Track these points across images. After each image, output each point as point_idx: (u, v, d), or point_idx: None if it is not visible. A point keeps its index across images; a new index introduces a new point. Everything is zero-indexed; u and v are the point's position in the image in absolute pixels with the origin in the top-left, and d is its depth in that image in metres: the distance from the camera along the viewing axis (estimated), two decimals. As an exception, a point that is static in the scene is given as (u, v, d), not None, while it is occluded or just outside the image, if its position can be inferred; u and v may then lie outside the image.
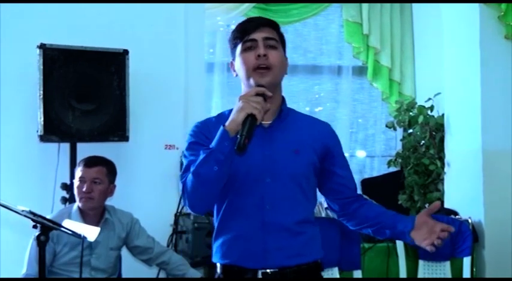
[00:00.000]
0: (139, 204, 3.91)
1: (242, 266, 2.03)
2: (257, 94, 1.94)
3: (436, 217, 3.67)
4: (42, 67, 3.57)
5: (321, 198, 2.49)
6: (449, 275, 3.86)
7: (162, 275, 3.71)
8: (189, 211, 3.92)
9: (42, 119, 3.56)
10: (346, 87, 5.36)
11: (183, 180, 2.00)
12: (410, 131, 4.70)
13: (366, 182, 4.94)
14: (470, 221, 3.95)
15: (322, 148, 2.12)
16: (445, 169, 4.34)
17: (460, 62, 4.21)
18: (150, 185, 4.14)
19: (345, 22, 5.26)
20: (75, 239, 2.98)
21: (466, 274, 3.80)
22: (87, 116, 3.69)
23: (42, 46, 3.58)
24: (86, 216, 3.26)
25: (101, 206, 3.32)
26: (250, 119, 1.90)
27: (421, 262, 3.90)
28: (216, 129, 2.01)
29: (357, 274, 3.69)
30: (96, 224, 3.17)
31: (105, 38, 3.89)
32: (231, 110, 2.11)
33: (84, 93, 3.68)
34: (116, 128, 3.77)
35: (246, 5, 4.94)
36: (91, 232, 2.76)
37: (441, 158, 4.38)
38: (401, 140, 4.90)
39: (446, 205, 4.28)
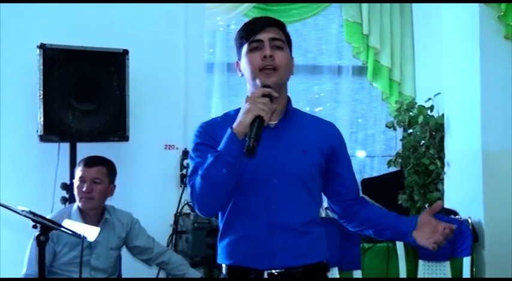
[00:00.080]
0: (139, 204, 3.91)
1: (248, 266, 2.02)
2: (263, 95, 1.93)
3: (436, 217, 3.67)
4: (42, 67, 3.57)
5: (320, 198, 2.49)
6: (449, 275, 3.86)
7: (162, 275, 3.71)
8: (188, 211, 3.93)
9: (42, 119, 3.56)
10: (346, 87, 5.36)
11: (191, 183, 1.99)
12: (410, 131, 4.70)
13: (365, 182, 4.94)
14: (470, 221, 3.95)
15: (328, 148, 2.12)
16: (445, 169, 4.34)
17: (459, 62, 4.21)
18: (150, 185, 4.14)
19: (344, 22, 5.26)
20: (75, 239, 2.98)
21: (466, 274, 3.80)
22: (87, 116, 3.69)
23: (42, 46, 3.58)
24: (85, 216, 3.26)
25: (101, 206, 3.32)
26: (257, 121, 1.89)
27: (421, 262, 3.90)
28: (221, 130, 2.01)
29: (357, 274, 3.69)
30: (96, 224, 3.17)
31: (105, 38, 3.89)
32: (236, 110, 2.11)
33: (84, 93, 3.68)
34: (115, 128, 3.77)
35: (246, 5, 4.94)
36: (91, 232, 2.76)
37: (441, 158, 4.38)
38: (401, 140, 4.90)
39: (446, 205, 4.27)
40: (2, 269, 3.78)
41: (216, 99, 5.03)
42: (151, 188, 4.14)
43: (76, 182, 3.27)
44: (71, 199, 3.58)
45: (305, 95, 5.24)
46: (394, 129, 4.90)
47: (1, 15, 3.91)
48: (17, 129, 3.90)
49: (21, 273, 3.19)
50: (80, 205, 3.25)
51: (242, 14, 4.96)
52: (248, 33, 2.07)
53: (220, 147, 1.93)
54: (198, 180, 1.95)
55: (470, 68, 4.06)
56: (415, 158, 4.52)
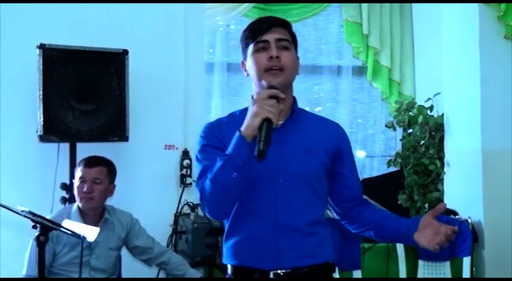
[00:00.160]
0: (139, 204, 3.91)
1: (254, 267, 2.02)
2: (270, 96, 1.93)
3: (436, 217, 3.66)
4: (41, 67, 3.57)
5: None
6: (449, 275, 3.86)
7: (162, 275, 3.71)
8: (188, 211, 3.94)
9: (41, 119, 3.56)
10: (346, 87, 5.36)
11: (200, 187, 1.99)
12: (410, 131, 4.70)
13: (365, 182, 4.94)
14: (470, 221, 3.95)
15: (333, 148, 2.12)
16: (445, 169, 4.34)
17: (459, 62, 4.21)
18: (150, 185, 4.14)
19: (344, 22, 5.26)
20: (75, 240, 2.98)
21: (466, 274, 3.80)
22: (87, 116, 3.68)
23: (41, 46, 3.58)
24: (85, 216, 3.26)
25: (101, 206, 3.32)
26: (266, 123, 1.88)
27: (420, 262, 3.90)
28: (228, 130, 2.02)
29: (357, 274, 3.69)
30: (96, 224, 3.17)
31: (105, 38, 3.88)
32: (242, 110, 2.13)
33: (84, 94, 3.68)
34: (115, 128, 3.77)
35: (246, 5, 4.94)
36: (90, 232, 2.76)
37: (441, 158, 4.38)
38: (400, 140, 4.90)
39: (446, 205, 4.28)
40: (2, 269, 3.78)
41: (216, 99, 5.03)
42: (151, 188, 4.14)
43: (76, 182, 3.27)
44: (70, 199, 3.58)
45: (305, 95, 5.24)
46: (394, 129, 4.90)
47: (1, 15, 3.91)
48: (17, 129, 3.90)
49: (22, 274, 3.19)
50: (80, 205, 3.25)
51: (242, 14, 4.97)
52: (254, 33, 2.06)
53: (229, 150, 1.92)
54: (207, 184, 1.94)
55: (470, 68, 4.06)
56: (414, 158, 4.51)
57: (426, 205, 4.47)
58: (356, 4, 5.22)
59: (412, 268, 3.91)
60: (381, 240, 2.28)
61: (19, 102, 3.88)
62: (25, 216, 2.50)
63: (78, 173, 3.27)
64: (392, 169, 4.88)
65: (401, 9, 5.38)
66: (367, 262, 3.88)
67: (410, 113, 4.62)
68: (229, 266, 2.09)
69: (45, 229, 2.49)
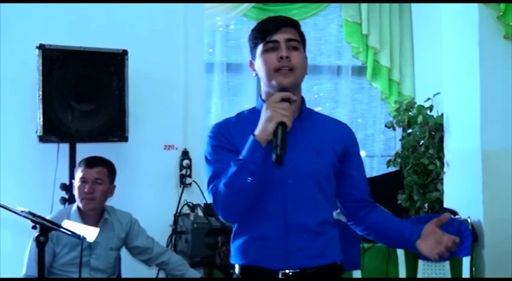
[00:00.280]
0: (139, 204, 3.91)
1: (263, 266, 2.02)
2: (282, 99, 1.93)
3: (436, 217, 3.66)
4: (41, 68, 3.57)
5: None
6: (448, 275, 3.86)
7: (162, 275, 3.71)
8: (188, 211, 3.93)
9: (41, 119, 3.56)
10: (346, 87, 5.36)
11: (213, 190, 1.99)
12: (410, 131, 4.70)
13: (365, 182, 4.94)
14: (469, 221, 3.95)
15: (341, 149, 2.12)
16: (445, 169, 4.34)
17: (459, 62, 4.21)
18: (150, 186, 4.14)
19: (344, 22, 5.26)
20: (75, 240, 2.98)
21: (466, 273, 3.80)
22: (87, 117, 3.68)
23: (41, 46, 3.58)
24: (85, 216, 3.26)
25: (101, 206, 3.32)
26: (281, 128, 1.88)
27: (420, 262, 3.90)
28: (236, 130, 2.03)
29: (357, 274, 3.69)
30: (96, 225, 3.17)
31: (105, 38, 3.88)
32: (250, 110, 2.15)
33: (84, 94, 3.68)
34: (115, 128, 3.77)
35: (246, 5, 4.94)
36: (90, 233, 2.76)
37: (440, 158, 4.38)
38: (400, 140, 4.90)
39: (446, 205, 4.28)
40: (2, 270, 3.77)
41: (216, 99, 5.03)
42: (151, 188, 4.14)
43: (77, 183, 3.27)
44: (70, 200, 3.58)
45: (304, 95, 5.19)
46: (394, 129, 4.90)
47: (1, 15, 3.91)
48: (16, 129, 3.90)
49: (21, 274, 3.20)
50: (81, 205, 3.25)
51: (242, 14, 4.97)
52: (263, 33, 2.06)
53: (244, 155, 1.92)
54: (221, 187, 1.95)
55: (469, 68, 4.06)
56: (414, 158, 4.51)
57: (426, 205, 4.47)
58: (355, 4, 5.22)
59: (411, 268, 3.91)
60: (385, 245, 2.27)
61: (19, 102, 3.88)
62: (25, 216, 2.50)
63: (79, 173, 3.27)
64: (392, 169, 4.88)
65: (401, 9, 5.38)
66: (367, 262, 3.89)
67: (410, 113, 4.62)
68: (237, 266, 2.10)
69: (45, 229, 2.49)
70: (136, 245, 3.42)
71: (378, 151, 5.40)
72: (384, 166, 5.07)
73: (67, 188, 3.67)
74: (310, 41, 5.33)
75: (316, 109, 5.54)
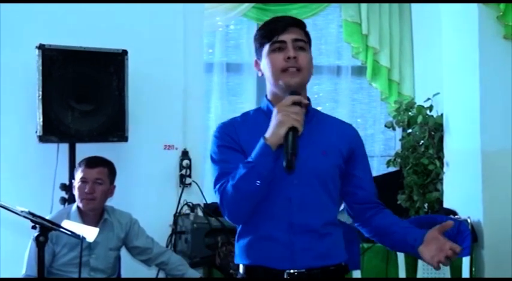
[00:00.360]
0: (139, 204, 3.92)
1: (268, 266, 2.02)
2: (294, 103, 1.93)
3: (435, 217, 3.67)
4: (41, 68, 3.57)
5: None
6: (448, 275, 3.86)
7: (162, 275, 3.71)
8: (188, 211, 3.93)
9: (41, 119, 3.56)
10: (345, 87, 5.36)
11: (220, 191, 1.99)
12: (410, 131, 4.70)
13: (365, 182, 4.93)
14: (469, 221, 3.95)
15: (347, 150, 2.12)
16: (444, 169, 4.34)
17: (459, 62, 4.21)
18: (149, 186, 4.14)
19: (343, 22, 5.26)
20: (75, 240, 2.98)
21: (465, 274, 3.80)
22: (86, 117, 3.68)
23: (41, 47, 3.58)
24: (85, 216, 3.26)
25: (102, 207, 3.32)
26: (292, 133, 1.88)
27: (420, 262, 3.90)
28: (242, 130, 2.03)
29: (356, 274, 3.69)
30: (95, 225, 3.17)
31: (104, 39, 3.88)
32: (255, 110, 2.15)
33: (83, 94, 3.68)
34: (115, 128, 3.77)
35: (245, 5, 4.94)
36: (90, 233, 2.76)
37: (440, 158, 4.39)
38: (400, 140, 4.90)
39: (446, 205, 4.28)
40: (2, 270, 3.77)
41: (215, 99, 5.03)
42: (151, 188, 4.14)
43: (77, 183, 3.27)
44: (70, 200, 3.59)
45: (304, 95, 5.23)
46: (393, 129, 4.90)
47: (0, 15, 3.91)
48: (16, 129, 3.89)
49: (21, 274, 3.20)
50: (81, 206, 3.25)
51: (241, 14, 4.97)
52: (270, 33, 2.06)
53: (254, 158, 1.93)
54: (229, 189, 1.95)
55: (469, 68, 4.06)
56: (414, 158, 4.51)
57: (425, 205, 4.47)
58: (355, 4, 5.22)
59: (411, 268, 3.91)
60: (389, 248, 2.26)
61: (18, 102, 3.88)
62: (24, 216, 2.50)
63: (79, 173, 3.27)
64: (392, 169, 4.88)
65: (401, 9, 5.38)
66: (367, 262, 3.89)
67: (410, 113, 4.62)
68: (241, 266, 2.09)
69: (45, 229, 2.49)
70: (136, 245, 3.42)
71: (377, 151, 5.40)
72: (383, 166, 5.07)
73: (67, 188, 3.67)
74: (310, 41, 5.34)
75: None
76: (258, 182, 1.91)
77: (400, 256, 3.86)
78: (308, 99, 2.11)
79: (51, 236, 2.82)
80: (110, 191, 3.34)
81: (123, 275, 3.58)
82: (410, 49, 5.39)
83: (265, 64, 2.07)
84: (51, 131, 3.60)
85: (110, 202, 3.41)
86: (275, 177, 1.97)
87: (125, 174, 3.69)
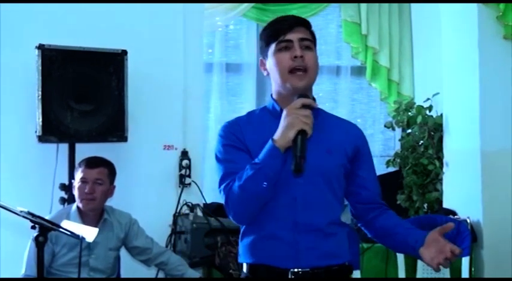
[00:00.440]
0: (138, 204, 3.92)
1: (272, 265, 2.02)
2: (303, 106, 1.93)
3: (435, 217, 3.68)
4: (40, 68, 3.56)
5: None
6: (447, 275, 3.86)
7: (161, 275, 3.71)
8: (187, 211, 3.93)
9: (40, 119, 3.56)
10: (345, 87, 5.36)
11: (226, 190, 1.99)
12: (409, 131, 4.69)
13: (364, 182, 4.93)
14: (468, 221, 3.95)
15: (352, 150, 2.12)
16: (444, 169, 4.34)
17: (458, 62, 4.21)
18: (149, 186, 4.14)
19: (343, 22, 5.26)
20: (74, 240, 2.98)
21: (465, 274, 3.80)
22: (86, 117, 3.68)
23: (40, 47, 3.57)
24: (84, 217, 3.26)
25: (102, 207, 3.32)
26: (301, 136, 1.89)
27: (419, 262, 3.90)
28: (247, 129, 2.04)
29: (356, 274, 3.69)
30: (95, 225, 3.17)
31: (104, 39, 3.88)
32: (261, 109, 2.15)
33: (83, 94, 3.68)
34: (114, 128, 3.77)
35: (245, 5, 4.94)
36: (89, 233, 2.76)
37: (440, 158, 4.38)
38: (399, 140, 4.90)
39: (445, 205, 4.28)
40: (2, 270, 3.77)
41: (215, 99, 5.03)
42: (150, 188, 4.14)
43: (77, 183, 3.27)
44: (69, 200, 3.58)
45: (304, 95, 5.23)
46: (393, 129, 4.90)
47: (0, 15, 3.90)
48: (16, 130, 3.89)
49: (20, 274, 3.20)
50: (81, 206, 3.25)
51: (241, 14, 4.97)
52: (276, 32, 2.06)
53: (261, 159, 1.93)
54: (235, 189, 1.95)
55: (469, 68, 4.06)
56: (413, 158, 4.51)
57: (425, 205, 4.47)
58: (355, 4, 5.22)
59: (411, 268, 3.91)
60: (391, 249, 2.26)
61: (18, 102, 3.88)
62: (24, 216, 2.50)
63: (79, 174, 3.27)
64: (391, 169, 4.88)
65: (400, 9, 5.38)
66: (366, 262, 3.89)
67: (409, 113, 4.62)
68: (244, 265, 2.09)
69: (44, 229, 2.49)
70: (136, 246, 3.42)
71: (377, 151, 5.39)
72: (383, 166, 5.06)
73: (66, 188, 3.67)
74: (310, 41, 5.33)
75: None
76: (265, 183, 1.91)
77: (400, 256, 3.86)
78: (313, 99, 2.11)
79: (50, 236, 2.82)
80: (109, 192, 3.34)
81: (123, 275, 3.58)
82: (410, 49, 5.39)
83: (271, 63, 2.07)
84: (50, 131, 3.60)
85: (109, 202, 3.41)
86: (281, 177, 1.97)
87: (124, 174, 3.68)
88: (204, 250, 3.69)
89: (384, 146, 5.45)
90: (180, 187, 4.13)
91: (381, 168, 5.22)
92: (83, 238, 2.72)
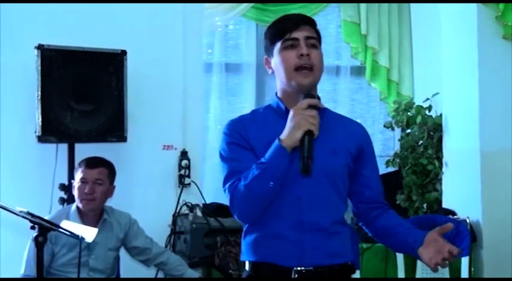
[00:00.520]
0: (138, 204, 3.92)
1: (276, 263, 2.01)
2: (309, 106, 1.94)
3: (434, 217, 3.68)
4: (40, 68, 3.56)
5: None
6: (447, 275, 3.86)
7: (161, 275, 3.71)
8: (187, 211, 3.93)
9: (40, 119, 3.56)
10: (345, 88, 5.36)
11: (231, 189, 1.99)
12: (409, 131, 4.69)
13: (364, 182, 4.93)
14: (468, 221, 3.95)
15: (356, 149, 2.12)
16: (443, 169, 4.34)
17: (458, 62, 4.21)
18: (148, 186, 4.14)
19: (343, 22, 5.26)
20: (74, 240, 2.98)
21: (464, 274, 3.80)
22: (86, 117, 3.68)
23: (40, 47, 3.57)
24: (84, 217, 3.26)
25: (101, 207, 3.32)
26: (308, 136, 1.90)
27: (419, 262, 3.90)
28: (252, 128, 2.04)
29: (355, 274, 3.68)
30: (95, 225, 3.17)
31: (103, 39, 3.88)
32: (265, 107, 2.15)
33: (83, 94, 3.68)
34: (114, 128, 3.77)
35: (245, 5, 4.94)
36: (89, 233, 2.76)
37: (439, 158, 4.38)
38: (399, 140, 4.90)
39: (444, 205, 4.28)
40: (2, 270, 3.77)
41: (215, 99, 5.03)
42: (150, 188, 4.14)
43: (77, 183, 3.26)
44: (69, 200, 3.58)
45: (303, 95, 5.23)
46: (392, 129, 4.90)
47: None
48: (15, 130, 3.89)
49: (19, 274, 3.19)
50: (81, 206, 3.25)
51: (240, 14, 4.97)
52: (282, 30, 2.06)
53: (268, 159, 1.93)
54: (240, 189, 1.95)
55: (468, 68, 4.06)
56: (413, 158, 4.51)
57: (424, 205, 4.47)
58: (354, 4, 5.22)
59: (410, 268, 3.91)
60: (391, 249, 2.25)
61: (17, 103, 3.88)
62: (23, 217, 2.50)
63: (79, 174, 3.27)
64: (391, 169, 4.88)
65: (400, 9, 5.38)
66: (366, 262, 3.89)
67: (409, 113, 4.61)
68: (247, 263, 2.09)
69: (44, 229, 2.49)
70: (135, 246, 3.42)
71: (376, 151, 5.26)
72: (382, 166, 5.05)
73: (66, 188, 3.67)
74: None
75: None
76: (271, 183, 1.92)
77: (399, 256, 3.86)
78: (318, 98, 2.12)
79: (50, 237, 2.82)
80: (109, 192, 3.34)
81: (122, 275, 3.58)
82: (410, 49, 5.39)
83: (277, 61, 2.07)
84: (50, 131, 3.60)
85: (109, 202, 3.41)
86: (286, 176, 1.97)
87: (123, 174, 3.68)
88: (204, 250, 3.69)
89: (383, 146, 5.45)
90: (179, 187, 4.13)
91: (380, 168, 5.15)
92: (83, 238, 2.72)
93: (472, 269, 3.90)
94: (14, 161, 3.90)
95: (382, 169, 5.09)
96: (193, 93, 4.31)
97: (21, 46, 3.81)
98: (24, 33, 3.88)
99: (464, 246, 3.80)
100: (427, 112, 4.52)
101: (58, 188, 3.72)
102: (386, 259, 3.93)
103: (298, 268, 2.00)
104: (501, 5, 3.87)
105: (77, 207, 3.28)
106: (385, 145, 5.46)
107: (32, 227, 2.50)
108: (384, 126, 4.93)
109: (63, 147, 3.77)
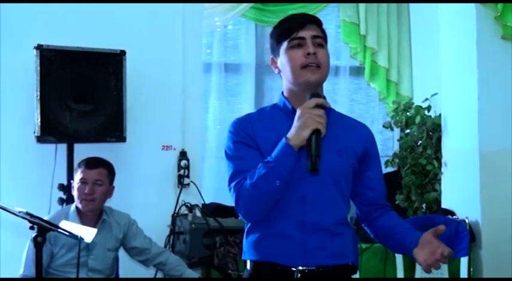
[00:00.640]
0: (137, 205, 3.92)
1: (278, 263, 2.01)
2: (317, 105, 1.94)
3: (433, 217, 3.68)
4: (39, 68, 3.56)
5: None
6: (446, 276, 3.86)
7: (160, 275, 3.71)
8: (186, 211, 3.93)
9: (39, 120, 3.56)
10: (344, 88, 5.36)
11: (237, 188, 1.98)
12: (408, 131, 4.70)
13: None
14: (467, 221, 3.95)
15: (361, 150, 2.12)
16: (442, 169, 4.34)
17: (457, 62, 4.21)
18: (148, 186, 4.14)
19: (342, 22, 5.26)
20: (73, 241, 2.97)
21: (463, 274, 3.80)
22: (85, 117, 3.68)
23: (39, 47, 3.57)
24: (83, 217, 3.26)
25: (101, 207, 3.32)
26: (315, 136, 1.90)
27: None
28: (258, 126, 2.04)
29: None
30: (94, 225, 3.17)
31: (102, 39, 3.88)
32: (272, 106, 2.14)
33: (82, 94, 3.68)
34: (113, 128, 3.76)
35: (244, 5, 4.94)
36: (88, 233, 2.76)
37: (438, 158, 4.38)
38: (398, 140, 4.90)
39: (444, 205, 4.28)
40: (2, 270, 3.77)
41: (214, 99, 5.03)
42: (149, 188, 4.14)
43: (76, 183, 3.26)
44: (68, 200, 3.58)
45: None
46: (392, 129, 4.90)
47: (-1, 16, 3.91)
48: (14, 130, 3.89)
49: (18, 274, 3.19)
50: (80, 206, 3.25)
51: (240, 14, 4.97)
52: (288, 30, 2.06)
53: (275, 158, 1.93)
54: (247, 188, 1.95)
55: (467, 68, 4.06)
56: (412, 159, 4.51)
57: (424, 205, 4.47)
58: (353, 4, 5.22)
59: (409, 268, 3.91)
60: (391, 250, 2.25)
61: (16, 103, 3.88)
62: (22, 217, 2.50)
63: (79, 174, 3.27)
64: (390, 169, 4.88)
65: (399, 9, 5.38)
66: (365, 262, 3.88)
67: (408, 113, 4.62)
68: (248, 262, 2.08)
69: (43, 229, 2.49)
70: (134, 246, 3.42)
71: (376, 151, 5.39)
72: (381, 166, 5.06)
73: (65, 188, 3.67)
74: (308, 41, 5.33)
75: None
76: (278, 182, 1.92)
77: (398, 257, 3.87)
78: (324, 98, 2.11)
79: (49, 237, 2.82)
80: (109, 192, 3.34)
81: (121, 275, 3.58)
82: (409, 49, 5.40)
83: (283, 61, 2.07)
84: (49, 132, 3.60)
85: (108, 203, 3.41)
86: (291, 176, 1.97)
87: (123, 174, 3.68)
88: (203, 250, 3.69)
89: (382, 146, 5.44)
90: (178, 187, 4.13)
91: (380, 168, 5.23)
92: (82, 239, 2.72)
93: (471, 269, 3.90)
94: (13, 162, 3.90)
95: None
96: (192, 94, 4.31)
97: (20, 46, 3.81)
98: (23, 34, 3.88)
99: (463, 246, 3.80)
100: (426, 112, 4.52)
101: (57, 188, 3.72)
102: (385, 259, 3.93)
103: (301, 268, 2.00)
104: (500, 5, 3.87)
105: (76, 207, 3.28)
106: (384, 145, 5.45)
107: (31, 228, 2.50)
108: (383, 126, 4.93)
109: (62, 147, 3.77)
